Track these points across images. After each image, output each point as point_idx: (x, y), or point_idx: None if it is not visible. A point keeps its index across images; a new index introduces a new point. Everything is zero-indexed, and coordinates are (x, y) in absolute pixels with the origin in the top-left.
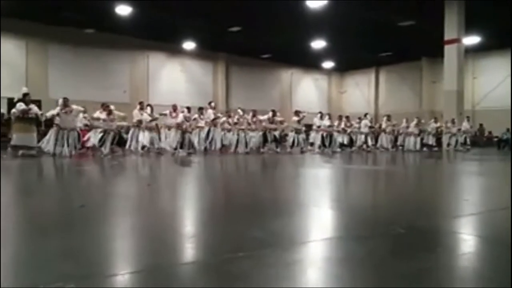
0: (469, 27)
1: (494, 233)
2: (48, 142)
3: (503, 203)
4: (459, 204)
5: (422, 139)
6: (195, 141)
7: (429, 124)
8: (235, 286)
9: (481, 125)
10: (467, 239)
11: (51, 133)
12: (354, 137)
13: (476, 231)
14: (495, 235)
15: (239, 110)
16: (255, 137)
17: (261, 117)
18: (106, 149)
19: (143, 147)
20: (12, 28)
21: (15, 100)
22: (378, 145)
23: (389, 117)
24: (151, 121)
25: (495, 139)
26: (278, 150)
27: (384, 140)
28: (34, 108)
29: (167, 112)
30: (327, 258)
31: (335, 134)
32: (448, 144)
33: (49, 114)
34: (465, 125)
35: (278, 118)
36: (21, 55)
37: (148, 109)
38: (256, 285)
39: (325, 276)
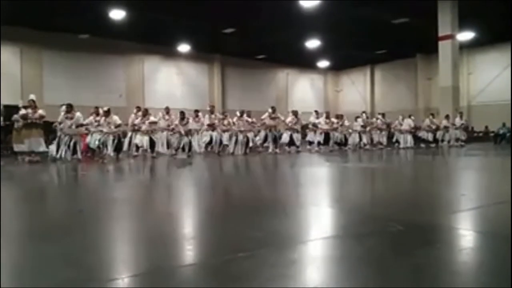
0: (462, 23)
1: (492, 227)
2: (54, 148)
3: (500, 197)
4: (456, 200)
5: (415, 136)
6: (194, 143)
7: (424, 120)
8: (236, 287)
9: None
10: (465, 234)
11: (56, 139)
12: (348, 136)
13: (474, 226)
14: (493, 230)
15: (237, 112)
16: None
17: (262, 116)
18: (109, 152)
19: (137, 150)
20: (5, 35)
21: (20, 107)
22: (374, 142)
23: (383, 115)
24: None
25: (491, 134)
26: (277, 150)
27: (377, 136)
28: (38, 112)
29: (160, 115)
30: (326, 256)
31: (331, 133)
32: (442, 140)
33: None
34: (458, 120)
35: (279, 116)
36: (16, 61)
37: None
38: (257, 285)
39: (324, 275)
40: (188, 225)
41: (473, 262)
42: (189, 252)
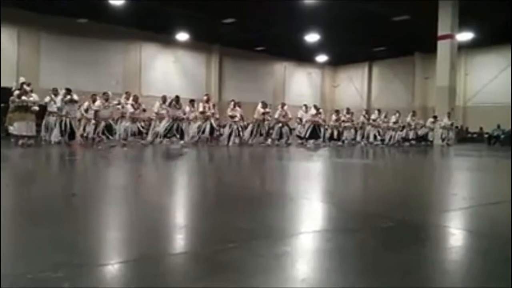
0: (462, 23)
1: (482, 227)
2: (51, 131)
3: (491, 198)
4: (448, 199)
5: (404, 134)
6: (187, 132)
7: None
8: (225, 276)
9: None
10: (455, 233)
11: (52, 122)
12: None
13: (464, 225)
14: (483, 229)
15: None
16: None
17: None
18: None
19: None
20: (3, 16)
21: (13, 89)
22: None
23: (379, 111)
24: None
25: (486, 135)
26: (268, 142)
27: (372, 133)
28: (33, 96)
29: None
30: (316, 250)
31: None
32: (427, 139)
33: (53, 103)
34: (446, 120)
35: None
36: (13, 43)
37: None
38: (246, 275)
39: (314, 268)
40: (179, 214)
41: (461, 260)
42: (180, 240)
